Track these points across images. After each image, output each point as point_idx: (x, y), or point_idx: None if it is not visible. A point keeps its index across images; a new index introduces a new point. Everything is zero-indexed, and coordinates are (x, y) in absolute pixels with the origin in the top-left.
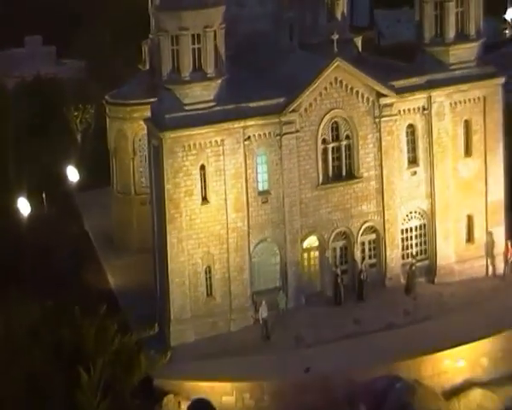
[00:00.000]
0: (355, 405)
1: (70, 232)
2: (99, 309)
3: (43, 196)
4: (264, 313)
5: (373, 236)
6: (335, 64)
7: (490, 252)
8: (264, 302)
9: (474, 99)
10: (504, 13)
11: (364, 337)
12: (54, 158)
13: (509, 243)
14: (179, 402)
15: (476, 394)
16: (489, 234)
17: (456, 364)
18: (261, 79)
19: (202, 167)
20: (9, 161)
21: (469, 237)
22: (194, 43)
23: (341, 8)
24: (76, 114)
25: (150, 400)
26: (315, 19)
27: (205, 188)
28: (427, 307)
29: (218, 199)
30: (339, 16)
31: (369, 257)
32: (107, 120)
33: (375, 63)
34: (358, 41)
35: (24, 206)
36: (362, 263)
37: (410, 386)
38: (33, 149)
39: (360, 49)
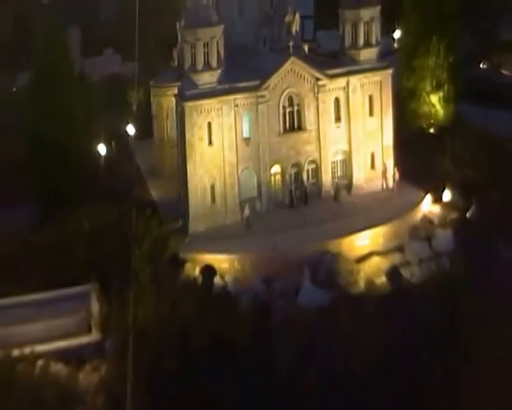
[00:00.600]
0: (301, 269)
1: (128, 166)
2: (146, 212)
3: (113, 143)
4: (246, 212)
5: (313, 165)
6: (290, 60)
7: (384, 175)
8: (247, 206)
9: (375, 82)
10: (393, 32)
11: (308, 227)
12: (119, 120)
13: (395, 170)
14: (194, 267)
15: (375, 259)
16: (384, 164)
17: (362, 242)
18: (245, 69)
19: (209, 124)
20: (95, 123)
21: (372, 166)
22: (204, 48)
23: (295, 27)
24: (132, 93)
25: (177, 266)
26: (279, 33)
27: (210, 136)
28: (346, 208)
29: (219, 143)
30: (293, 32)
31: (312, 178)
32: (151, 96)
33: (316, 60)
34: (305, 48)
35: (102, 149)
36: (307, 182)
37: (335, 256)
38: (109, 116)
39: (306, 53)
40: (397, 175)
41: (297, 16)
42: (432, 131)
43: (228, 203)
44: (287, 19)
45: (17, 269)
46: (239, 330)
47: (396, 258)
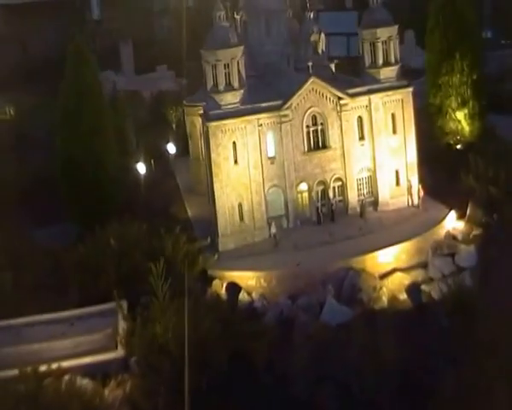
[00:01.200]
0: (326, 286)
1: (168, 184)
2: (175, 229)
3: (152, 162)
4: (273, 229)
5: (339, 183)
6: (311, 80)
7: (409, 192)
8: (273, 223)
9: (397, 100)
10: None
11: (334, 244)
12: (160, 138)
13: (420, 186)
14: (222, 284)
15: (398, 275)
16: (408, 181)
17: (386, 258)
18: (270, 88)
19: (234, 143)
20: (135, 142)
21: (397, 183)
22: (225, 68)
23: (321, 45)
24: (171, 111)
25: (205, 283)
26: (305, 52)
27: (235, 155)
28: (372, 225)
29: (244, 162)
30: (320, 51)
31: (338, 195)
32: (185, 115)
33: (340, 79)
34: (332, 66)
35: (141, 168)
36: (333, 199)
37: (358, 273)
38: (149, 134)
39: (334, 70)
40: (421, 192)
41: (322, 35)
42: (459, 147)
43: (256, 221)
44: (312, 38)
45: (50, 287)
46: (260, 345)
47: (419, 274)
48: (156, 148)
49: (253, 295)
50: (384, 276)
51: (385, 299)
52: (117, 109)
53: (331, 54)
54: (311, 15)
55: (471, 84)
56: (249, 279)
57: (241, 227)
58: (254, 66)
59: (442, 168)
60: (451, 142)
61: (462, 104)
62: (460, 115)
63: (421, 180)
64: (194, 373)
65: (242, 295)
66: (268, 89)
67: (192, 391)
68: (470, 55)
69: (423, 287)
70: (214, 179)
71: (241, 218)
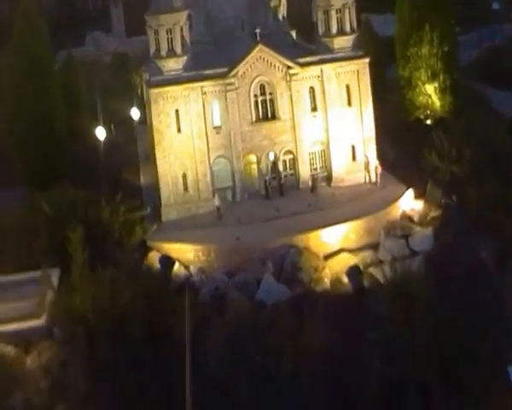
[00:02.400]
0: (265, 263)
1: (128, 150)
2: (116, 196)
3: (112, 127)
4: (217, 202)
5: (290, 156)
6: (258, 47)
7: (366, 168)
8: (216, 195)
9: (352, 71)
10: None
11: (280, 220)
12: (124, 104)
13: (378, 162)
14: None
15: (344, 256)
16: (366, 157)
17: (333, 237)
18: (222, 55)
19: (176, 111)
20: (97, 104)
21: (353, 158)
22: (168, 34)
23: (282, 11)
24: (136, 76)
25: (143, 254)
26: (265, 18)
27: (178, 123)
28: (324, 201)
29: (187, 130)
30: (280, 17)
31: (289, 169)
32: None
33: (301, 46)
34: (293, 33)
35: (100, 132)
36: (283, 173)
37: (300, 251)
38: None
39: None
40: (379, 168)
41: (283, 0)
42: (428, 122)
43: (201, 192)
44: (272, 3)
45: None
46: (182, 322)
47: (368, 256)
48: (119, 113)
49: (192, 268)
50: (329, 256)
51: (327, 281)
52: (71, 73)
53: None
54: None
55: (441, 57)
56: (188, 252)
57: (186, 198)
58: (212, 32)
59: (407, 144)
60: (421, 117)
61: (432, 77)
62: (430, 89)
63: (383, 156)
64: (112, 346)
65: (179, 269)
66: (220, 56)
67: (108, 364)
68: (441, 27)
69: (371, 270)
70: (156, 147)
71: (186, 188)
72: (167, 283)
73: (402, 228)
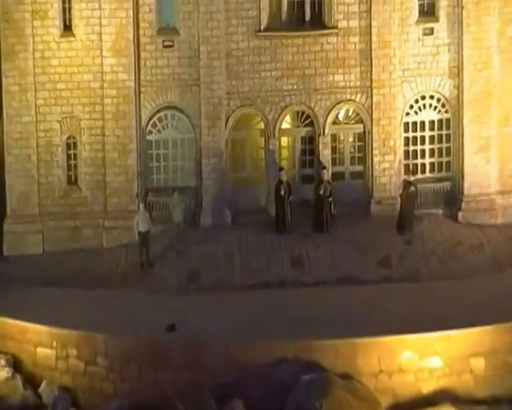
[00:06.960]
0: (225, 400)
1: None
2: None
3: None
4: (141, 224)
5: (354, 127)
6: None
7: None
8: (142, 208)
9: None
10: None
11: (293, 291)
12: None
13: None
14: None
15: None
16: None
17: (425, 360)
18: None
19: None
20: None
21: None
22: None
23: None
24: None
25: None
26: None
27: (68, 11)
28: (422, 261)
29: (89, 31)
30: None
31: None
32: None
33: None
34: None
35: None
36: (326, 169)
37: (328, 381)
38: None
39: None
40: None
41: None
42: None
43: (110, 193)
44: None
45: None
46: None
47: None
48: None
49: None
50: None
51: None
52: None
53: None
54: None
55: None
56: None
57: (71, 202)
58: None
59: None
60: None
61: None
62: None
63: None
64: None
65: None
66: None
67: None
68: None
69: None
70: (3, 65)
71: (73, 178)
72: None
73: None
